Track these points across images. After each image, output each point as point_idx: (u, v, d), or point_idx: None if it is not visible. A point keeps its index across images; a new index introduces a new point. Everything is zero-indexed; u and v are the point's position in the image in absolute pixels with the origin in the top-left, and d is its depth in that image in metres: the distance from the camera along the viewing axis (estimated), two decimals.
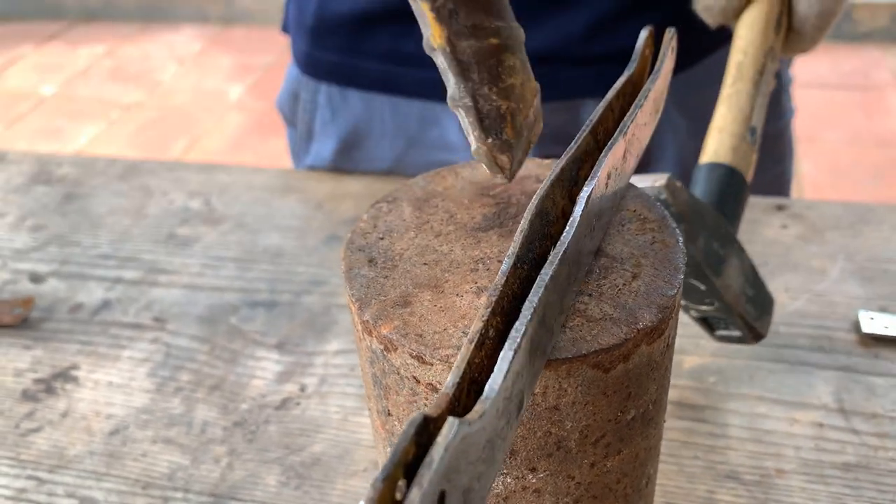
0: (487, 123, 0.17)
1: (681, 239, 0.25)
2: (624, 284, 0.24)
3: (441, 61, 0.17)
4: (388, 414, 0.25)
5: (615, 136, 0.25)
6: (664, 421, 0.28)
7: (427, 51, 0.16)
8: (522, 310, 0.19)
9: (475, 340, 0.19)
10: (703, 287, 0.38)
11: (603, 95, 0.63)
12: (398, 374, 0.23)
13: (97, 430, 0.46)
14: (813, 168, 2.00)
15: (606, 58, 0.61)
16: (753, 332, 0.41)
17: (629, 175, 0.27)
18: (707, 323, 0.43)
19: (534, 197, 0.22)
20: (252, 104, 2.42)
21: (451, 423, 0.16)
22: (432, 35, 0.16)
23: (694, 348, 0.48)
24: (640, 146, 0.28)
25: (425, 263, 0.25)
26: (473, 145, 0.18)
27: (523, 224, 0.22)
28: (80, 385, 0.49)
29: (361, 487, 0.42)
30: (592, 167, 0.24)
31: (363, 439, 0.45)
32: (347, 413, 0.46)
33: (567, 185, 0.24)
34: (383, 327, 0.23)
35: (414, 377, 0.23)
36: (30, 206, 0.66)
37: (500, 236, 0.26)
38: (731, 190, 0.41)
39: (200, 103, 2.45)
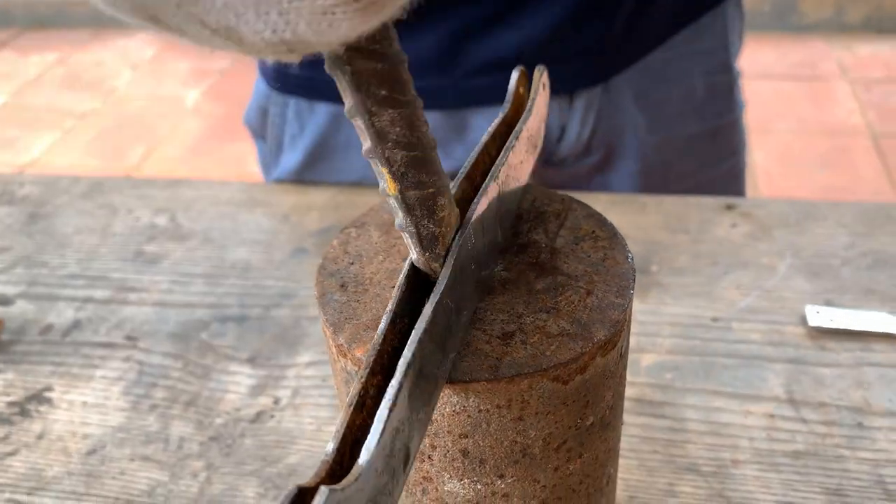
0: (426, 244, 0.24)
1: (630, 255, 0.27)
2: (579, 301, 0.26)
3: (392, 203, 0.23)
4: None
5: (486, 181, 0.27)
6: (622, 423, 0.30)
7: (381, 194, 0.23)
8: (397, 368, 0.21)
9: (354, 403, 0.21)
10: None
11: (559, 95, 0.64)
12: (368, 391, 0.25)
13: (74, 450, 0.47)
14: (764, 158, 2.05)
15: (567, 58, 0.63)
16: None
17: (513, 210, 0.30)
18: None
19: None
20: (209, 109, 2.40)
21: (322, 492, 0.17)
22: (388, 187, 0.23)
23: (651, 346, 0.50)
24: (519, 182, 0.30)
25: (394, 286, 0.27)
26: (414, 257, 0.24)
27: (400, 280, 0.24)
28: (55, 406, 0.50)
29: None
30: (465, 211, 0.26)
31: None
32: (321, 423, 0.47)
33: None
34: (357, 350, 0.25)
35: None
36: None
37: None
38: None
39: (157, 109, 2.43)
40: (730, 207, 0.61)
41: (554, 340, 0.24)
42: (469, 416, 0.24)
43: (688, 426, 0.46)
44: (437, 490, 0.26)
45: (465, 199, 0.28)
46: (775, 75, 2.43)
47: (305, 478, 0.44)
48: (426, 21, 0.61)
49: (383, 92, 0.22)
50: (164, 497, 0.44)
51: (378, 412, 0.20)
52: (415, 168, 0.23)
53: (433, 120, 0.65)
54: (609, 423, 0.27)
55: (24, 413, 0.49)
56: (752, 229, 0.59)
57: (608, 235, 0.28)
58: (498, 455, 0.25)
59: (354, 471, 0.18)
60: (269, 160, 0.73)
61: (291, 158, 0.69)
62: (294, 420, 0.48)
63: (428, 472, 0.26)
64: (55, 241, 0.64)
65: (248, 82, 0.75)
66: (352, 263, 0.28)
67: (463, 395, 0.23)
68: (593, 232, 0.29)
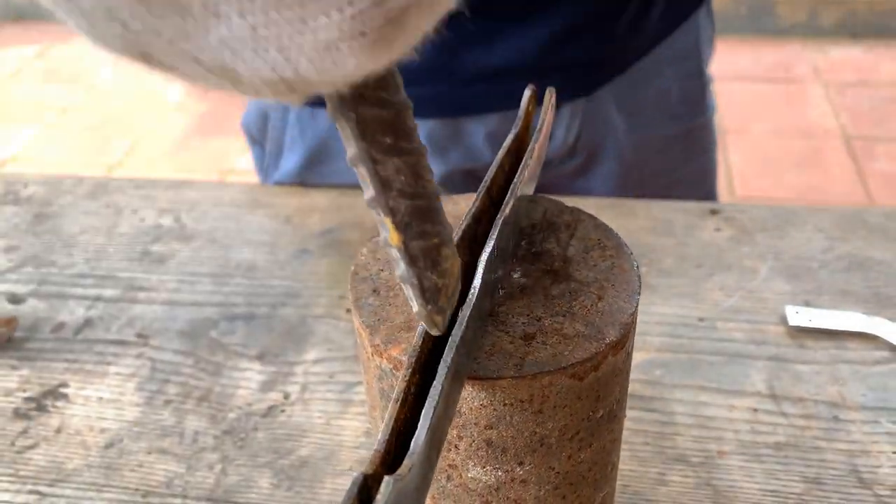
0: (428, 296, 0.23)
1: (635, 264, 0.30)
2: (591, 305, 0.28)
3: (394, 254, 0.22)
4: None
5: (507, 198, 0.29)
6: (624, 415, 0.32)
7: (383, 246, 0.22)
8: (438, 370, 0.23)
9: (399, 399, 0.23)
10: None
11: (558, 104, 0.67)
12: None
13: (92, 443, 0.49)
14: (740, 159, 2.10)
15: (561, 69, 0.66)
16: None
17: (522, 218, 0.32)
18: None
19: None
20: (192, 105, 2.41)
21: (386, 481, 0.20)
22: (390, 237, 0.22)
23: (641, 344, 0.53)
24: (528, 194, 0.33)
25: None
26: (416, 309, 0.24)
27: None
28: (71, 402, 0.52)
29: (349, 485, 0.46)
30: (489, 222, 0.29)
31: (346, 441, 0.48)
32: (330, 417, 0.50)
33: (468, 242, 0.29)
34: (393, 350, 0.27)
35: None
36: (0, 228, 0.67)
37: None
38: None
39: (140, 105, 2.43)
40: (714, 212, 0.64)
41: (571, 341, 0.27)
42: (495, 409, 0.27)
43: (676, 419, 0.49)
44: (461, 476, 0.29)
45: (485, 210, 0.30)
46: (751, 78, 2.49)
47: (317, 469, 0.47)
48: None
49: (388, 140, 0.21)
50: (182, 488, 0.46)
51: (424, 409, 0.22)
52: (419, 218, 0.22)
53: (430, 127, 0.68)
54: (615, 416, 0.30)
55: (41, 408, 0.51)
56: (735, 233, 0.62)
57: (614, 245, 0.31)
58: (518, 444, 0.28)
59: (406, 462, 0.21)
60: (268, 164, 0.75)
61: (291, 161, 0.71)
62: (304, 414, 0.50)
63: (454, 461, 0.28)
64: (62, 240, 0.65)
65: None
66: (382, 270, 0.30)
67: (490, 390, 0.26)
68: (600, 241, 0.31)
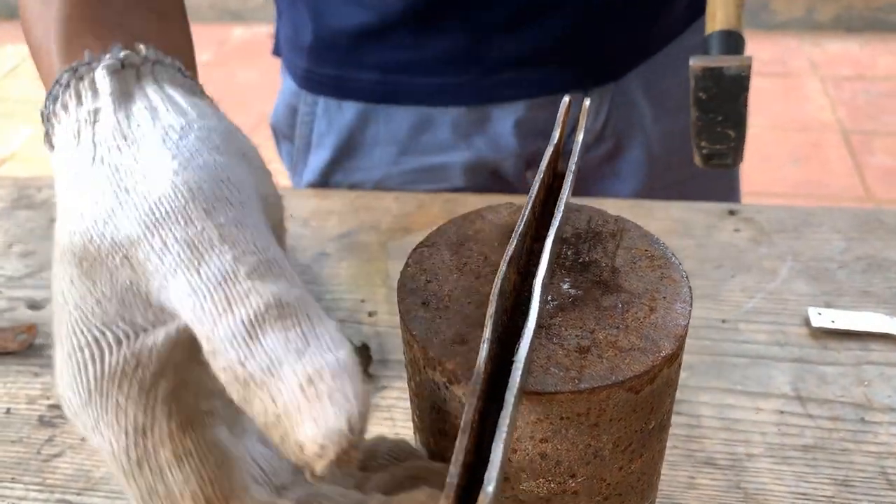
0: None
1: (684, 274, 0.30)
2: (644, 317, 0.28)
3: None
4: (445, 434, 0.29)
5: (556, 217, 0.30)
6: (670, 424, 0.32)
7: None
8: (506, 399, 0.23)
9: (468, 431, 0.23)
10: (733, 134, 0.52)
11: (579, 89, 0.67)
12: (460, 402, 0.27)
13: None
14: None
15: (588, 54, 0.66)
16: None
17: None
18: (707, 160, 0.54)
19: (495, 280, 0.27)
20: None
21: None
22: None
23: None
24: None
25: (471, 303, 0.29)
26: None
27: (490, 310, 0.26)
28: None
29: None
30: (534, 238, 0.30)
31: None
32: None
33: (517, 262, 0.29)
34: (448, 363, 0.27)
35: None
36: (14, 232, 0.67)
37: (531, 276, 0.30)
38: (741, 47, 0.53)
39: None
40: (732, 213, 0.64)
41: (627, 355, 0.27)
42: (551, 423, 0.27)
43: (703, 422, 0.49)
44: (512, 489, 0.29)
45: (530, 225, 0.30)
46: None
47: None
48: (449, 20, 0.64)
49: None
50: None
51: (494, 443, 0.22)
52: None
53: (456, 114, 0.68)
54: (665, 426, 0.30)
55: (65, 416, 0.51)
56: (754, 234, 0.62)
57: (661, 254, 0.31)
58: (572, 457, 0.28)
59: (483, 497, 0.21)
60: (297, 161, 0.75)
61: (320, 157, 0.71)
62: None
63: (507, 473, 0.29)
64: None
65: (230, 73, 0.77)
66: (429, 281, 0.30)
67: (547, 404, 0.26)
68: (647, 251, 0.31)
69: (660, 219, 0.64)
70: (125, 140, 0.27)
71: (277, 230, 0.29)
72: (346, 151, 0.70)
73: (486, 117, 0.68)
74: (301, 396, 0.21)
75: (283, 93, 0.73)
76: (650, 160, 0.73)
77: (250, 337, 0.22)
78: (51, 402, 0.52)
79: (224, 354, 0.22)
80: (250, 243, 0.24)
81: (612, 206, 0.64)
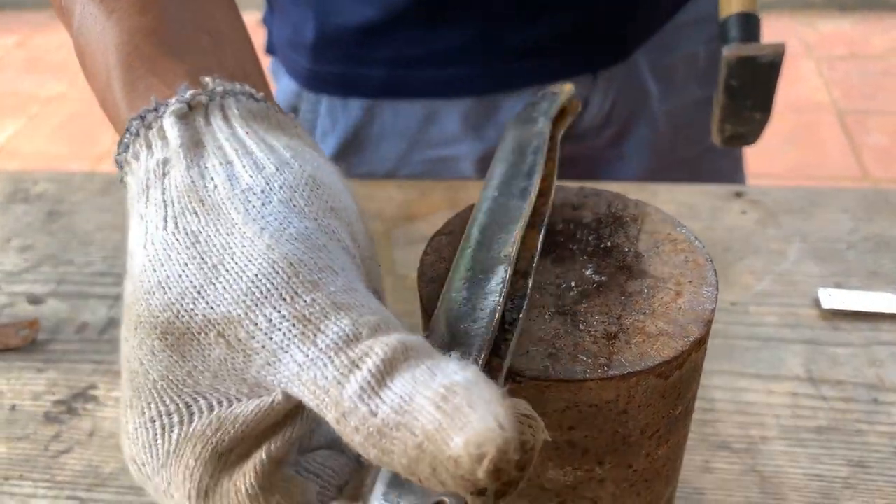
0: None
1: (709, 257, 0.30)
2: (671, 301, 0.28)
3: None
4: None
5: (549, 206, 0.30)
6: (694, 409, 0.32)
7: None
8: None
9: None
10: (758, 117, 0.53)
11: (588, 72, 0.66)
12: None
13: None
14: None
15: (597, 39, 0.66)
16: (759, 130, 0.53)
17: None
18: (729, 141, 0.54)
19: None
20: None
21: None
22: None
23: None
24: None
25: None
26: None
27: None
28: (101, 404, 0.51)
29: None
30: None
31: None
32: None
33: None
34: None
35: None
36: (12, 226, 0.66)
37: (553, 262, 0.30)
38: (758, 29, 0.53)
39: None
40: (738, 195, 0.64)
41: (655, 340, 0.26)
42: (580, 410, 0.26)
43: (717, 406, 0.49)
44: (539, 477, 0.28)
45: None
46: None
47: None
48: (460, 10, 0.63)
49: None
50: None
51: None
52: None
53: (467, 106, 0.67)
54: (690, 411, 0.30)
55: (71, 411, 0.50)
56: (761, 216, 0.62)
57: (684, 238, 0.31)
58: (600, 444, 0.27)
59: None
60: None
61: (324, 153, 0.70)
62: None
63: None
64: (77, 238, 0.64)
65: None
66: (448, 269, 0.30)
67: (576, 392, 0.26)
68: (669, 234, 0.31)
69: (665, 202, 0.63)
70: (202, 205, 0.25)
71: (377, 284, 0.28)
72: (351, 147, 0.69)
73: (496, 107, 0.67)
74: (440, 415, 0.19)
75: (281, 93, 0.72)
76: (656, 140, 0.72)
77: (379, 386, 0.21)
78: (56, 397, 0.51)
79: (354, 412, 0.21)
80: (364, 306, 0.23)
81: (617, 189, 0.64)
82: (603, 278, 0.29)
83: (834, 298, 0.53)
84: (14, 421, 0.50)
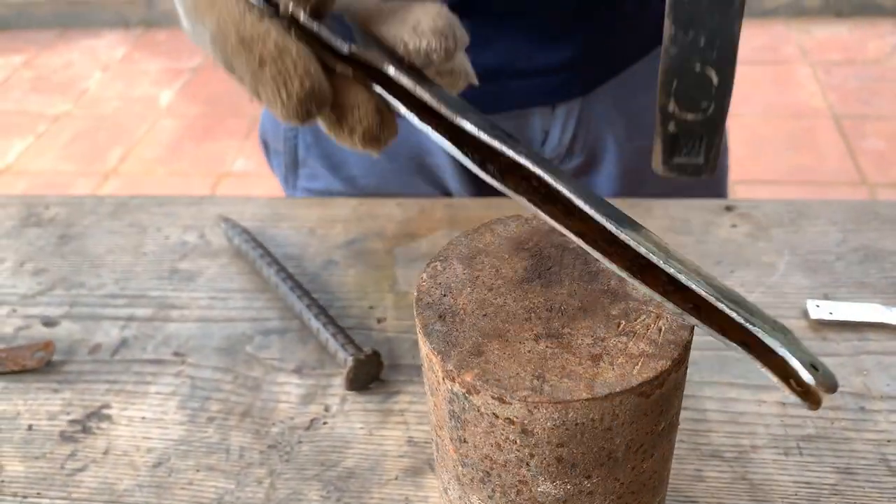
0: None
1: None
2: (652, 324, 0.30)
3: None
4: (464, 441, 0.31)
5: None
6: (679, 423, 0.34)
7: None
8: None
9: None
10: (716, 81, 0.36)
11: (546, 104, 0.68)
12: (478, 411, 0.29)
13: (141, 463, 0.50)
14: (732, 141, 2.11)
15: (553, 69, 0.67)
16: (713, 161, 0.36)
17: None
18: (673, 143, 0.36)
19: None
20: (184, 109, 2.40)
21: None
22: None
23: None
24: None
25: (485, 315, 0.31)
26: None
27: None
28: (115, 423, 0.53)
29: (396, 494, 0.47)
30: None
31: (389, 450, 0.50)
32: (371, 428, 0.51)
33: None
34: (466, 375, 0.28)
35: (493, 413, 0.28)
36: (25, 250, 0.68)
37: (542, 286, 0.32)
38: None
39: (131, 110, 2.42)
40: (729, 209, 0.66)
41: (637, 361, 0.28)
42: (567, 428, 0.28)
43: (708, 416, 0.50)
44: (530, 491, 0.30)
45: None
46: (739, 60, 2.49)
47: (364, 479, 0.48)
48: None
49: None
50: (233, 503, 0.47)
51: None
52: None
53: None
54: (674, 425, 0.32)
55: (86, 430, 0.52)
56: (751, 229, 0.64)
57: None
58: (587, 459, 0.29)
59: None
60: (287, 173, 0.75)
61: (309, 169, 0.72)
62: (346, 426, 0.51)
63: (524, 476, 0.30)
64: (89, 261, 0.66)
65: (222, 79, 0.78)
66: (444, 295, 0.32)
67: (563, 411, 0.27)
68: None
69: (658, 217, 0.65)
70: None
71: None
72: (338, 162, 0.71)
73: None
74: None
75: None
76: (624, 174, 0.74)
77: None
78: (71, 417, 0.53)
79: None
80: None
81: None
82: (586, 303, 0.31)
83: (821, 309, 0.55)
84: (31, 440, 0.52)
